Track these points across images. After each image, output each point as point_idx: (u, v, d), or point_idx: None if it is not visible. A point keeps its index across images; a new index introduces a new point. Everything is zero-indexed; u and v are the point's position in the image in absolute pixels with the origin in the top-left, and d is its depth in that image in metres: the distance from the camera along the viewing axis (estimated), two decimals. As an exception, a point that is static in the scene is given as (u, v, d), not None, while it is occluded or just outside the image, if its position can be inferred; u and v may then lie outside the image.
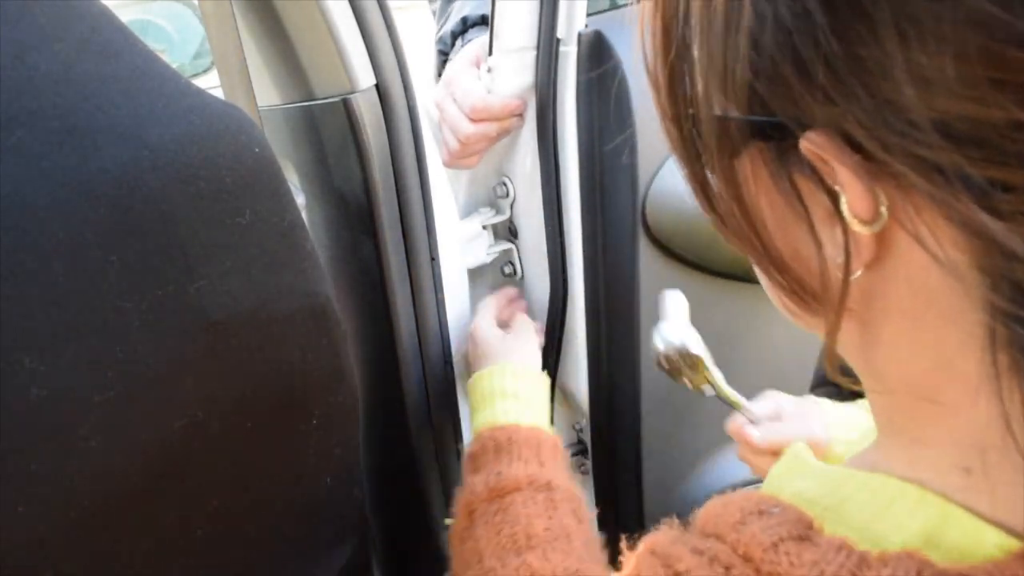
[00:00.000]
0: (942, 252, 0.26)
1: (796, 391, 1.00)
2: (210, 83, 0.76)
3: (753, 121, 0.29)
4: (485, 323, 0.82)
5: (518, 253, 0.93)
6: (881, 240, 0.28)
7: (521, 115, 0.83)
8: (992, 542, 0.27)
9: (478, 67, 0.82)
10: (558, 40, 0.78)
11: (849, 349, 0.34)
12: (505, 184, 0.90)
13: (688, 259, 0.87)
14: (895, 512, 0.31)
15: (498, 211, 0.91)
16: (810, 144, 0.27)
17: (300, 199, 0.79)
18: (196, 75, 1.26)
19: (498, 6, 0.76)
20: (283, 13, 0.67)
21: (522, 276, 0.94)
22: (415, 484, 0.84)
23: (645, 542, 0.37)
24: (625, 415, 0.93)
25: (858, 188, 0.27)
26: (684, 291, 0.89)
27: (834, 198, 0.28)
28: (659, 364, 0.74)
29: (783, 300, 0.35)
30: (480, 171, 0.91)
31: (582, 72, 0.79)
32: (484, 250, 0.90)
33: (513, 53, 0.79)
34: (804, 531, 0.31)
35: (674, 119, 0.33)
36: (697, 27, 0.30)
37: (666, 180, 0.82)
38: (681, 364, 0.72)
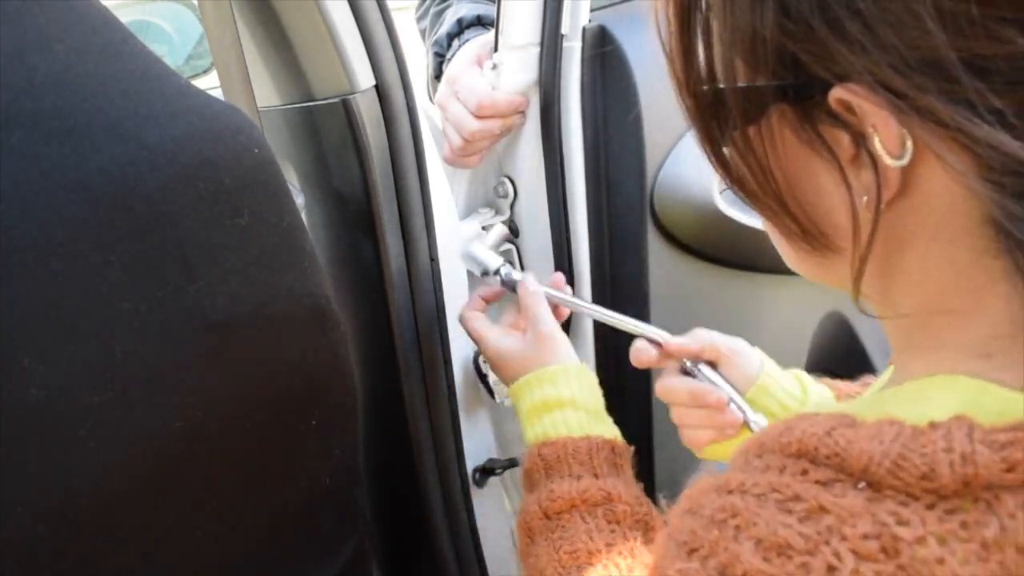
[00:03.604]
0: (959, 173, 0.30)
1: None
2: (210, 83, 0.76)
3: (780, 85, 0.33)
4: (493, 335, 0.74)
5: (518, 253, 0.93)
6: (904, 174, 0.32)
7: (524, 112, 0.83)
8: None
9: (480, 65, 0.83)
10: (562, 35, 0.78)
11: (864, 284, 0.36)
12: (505, 184, 0.90)
13: (695, 249, 0.87)
14: (930, 397, 0.33)
15: (498, 211, 0.91)
16: (845, 94, 0.31)
17: (299, 200, 0.79)
18: (196, 75, 1.26)
19: (504, 4, 0.76)
20: (282, 14, 0.67)
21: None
22: (415, 484, 0.84)
23: (679, 506, 0.37)
24: (635, 410, 0.94)
25: (891, 127, 0.30)
26: (692, 281, 0.89)
27: (857, 142, 0.32)
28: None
29: (800, 255, 0.39)
30: (480, 171, 0.91)
31: (586, 66, 0.79)
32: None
33: (518, 50, 0.79)
34: (852, 421, 0.32)
35: (691, 92, 0.36)
36: (718, 3, 0.33)
37: (674, 169, 0.82)
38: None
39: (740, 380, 0.66)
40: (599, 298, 0.88)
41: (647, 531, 0.60)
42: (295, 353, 0.49)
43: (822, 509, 0.30)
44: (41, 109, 0.37)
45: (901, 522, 0.28)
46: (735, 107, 0.35)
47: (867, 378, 0.67)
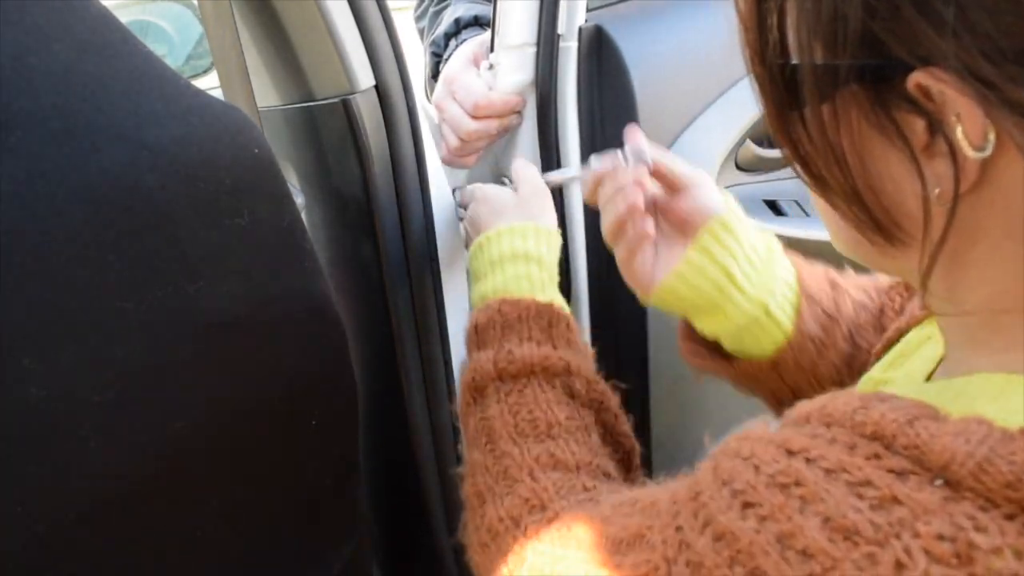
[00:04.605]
0: None
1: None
2: (210, 84, 0.76)
3: (857, 65, 0.31)
4: (490, 188, 0.74)
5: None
6: (982, 166, 0.30)
7: (521, 112, 0.83)
8: None
9: (476, 65, 0.83)
10: (559, 35, 0.79)
11: (932, 279, 0.35)
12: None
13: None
14: (1008, 399, 0.31)
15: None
16: (927, 79, 0.29)
17: (299, 200, 0.79)
18: (196, 75, 1.26)
19: (500, 3, 0.76)
20: (283, 13, 0.67)
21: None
22: (415, 484, 0.84)
23: (727, 445, 0.35)
24: (633, 410, 0.93)
25: (976, 117, 0.29)
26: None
27: (932, 130, 0.31)
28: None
29: (859, 242, 0.37)
30: (477, 172, 0.91)
31: (583, 66, 0.79)
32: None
33: (515, 49, 0.79)
34: (935, 413, 0.30)
35: (763, 64, 0.35)
36: None
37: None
38: None
39: (693, 213, 0.59)
40: (596, 297, 0.88)
41: (599, 411, 0.58)
42: (295, 353, 0.49)
43: (895, 500, 0.28)
44: (41, 109, 0.37)
45: (979, 528, 0.27)
46: (807, 84, 0.33)
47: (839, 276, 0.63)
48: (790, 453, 0.32)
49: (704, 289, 0.59)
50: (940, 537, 0.27)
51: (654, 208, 0.61)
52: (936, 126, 0.31)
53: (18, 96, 0.37)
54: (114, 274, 0.39)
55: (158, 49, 1.29)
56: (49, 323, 0.37)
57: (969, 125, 0.30)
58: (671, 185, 0.61)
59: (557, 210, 0.84)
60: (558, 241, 0.68)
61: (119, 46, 0.42)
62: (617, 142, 0.82)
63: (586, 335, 0.90)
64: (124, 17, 0.44)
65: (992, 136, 0.29)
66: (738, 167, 0.87)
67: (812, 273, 0.62)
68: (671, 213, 0.61)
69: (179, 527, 0.46)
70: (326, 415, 0.54)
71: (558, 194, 0.84)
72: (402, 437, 0.82)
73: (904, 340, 0.49)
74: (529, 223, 0.66)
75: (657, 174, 0.61)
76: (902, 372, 0.46)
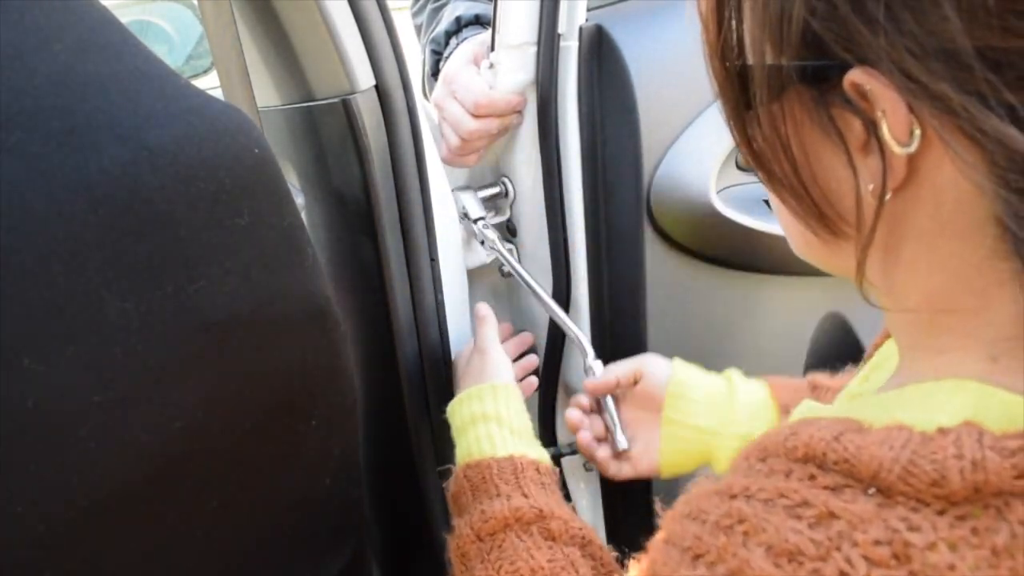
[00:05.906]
0: (966, 165, 0.30)
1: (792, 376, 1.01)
2: (210, 83, 0.76)
3: (801, 66, 0.33)
4: (464, 352, 0.80)
5: (517, 253, 0.93)
6: (911, 163, 0.32)
7: (521, 112, 0.83)
8: None
9: (477, 64, 0.83)
10: (559, 35, 0.79)
11: (871, 273, 0.37)
12: (504, 184, 0.90)
13: (692, 249, 0.87)
14: (935, 402, 0.33)
15: (497, 211, 0.91)
16: (861, 76, 0.31)
17: (299, 200, 0.79)
18: (196, 75, 1.26)
19: (500, 2, 0.76)
20: (283, 14, 0.67)
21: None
22: (415, 484, 0.84)
23: (675, 510, 0.37)
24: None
25: (900, 112, 0.30)
26: (689, 281, 0.90)
27: (868, 128, 0.32)
28: None
29: (809, 241, 0.39)
30: (477, 171, 0.91)
31: (583, 66, 0.79)
32: (484, 250, 0.90)
33: (515, 49, 0.79)
34: (859, 426, 0.32)
35: (720, 62, 0.37)
36: None
37: (671, 169, 0.82)
38: None
39: (653, 395, 0.73)
40: (596, 298, 0.88)
41: (584, 546, 0.59)
42: (295, 353, 0.49)
43: (832, 515, 0.30)
44: (41, 109, 0.37)
45: (912, 528, 0.28)
46: (758, 83, 0.35)
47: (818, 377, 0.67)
48: (732, 496, 0.33)
49: (691, 447, 0.71)
50: (877, 542, 0.28)
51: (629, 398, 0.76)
52: (869, 125, 0.32)
53: (18, 96, 0.37)
54: (114, 274, 0.39)
55: (158, 49, 1.28)
56: (49, 323, 0.37)
57: (893, 120, 0.31)
58: (631, 382, 0.74)
59: (560, 218, 0.84)
60: (514, 392, 0.73)
61: (119, 46, 0.42)
62: (616, 142, 0.83)
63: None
64: (124, 17, 0.44)
65: (917, 132, 0.31)
66: (738, 167, 0.87)
67: (786, 385, 0.71)
68: (639, 401, 0.75)
69: (178, 527, 0.46)
70: (326, 415, 0.54)
71: (560, 201, 0.84)
72: (402, 437, 0.82)
73: (878, 353, 0.50)
74: (485, 384, 0.72)
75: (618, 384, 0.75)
76: (870, 385, 0.47)
